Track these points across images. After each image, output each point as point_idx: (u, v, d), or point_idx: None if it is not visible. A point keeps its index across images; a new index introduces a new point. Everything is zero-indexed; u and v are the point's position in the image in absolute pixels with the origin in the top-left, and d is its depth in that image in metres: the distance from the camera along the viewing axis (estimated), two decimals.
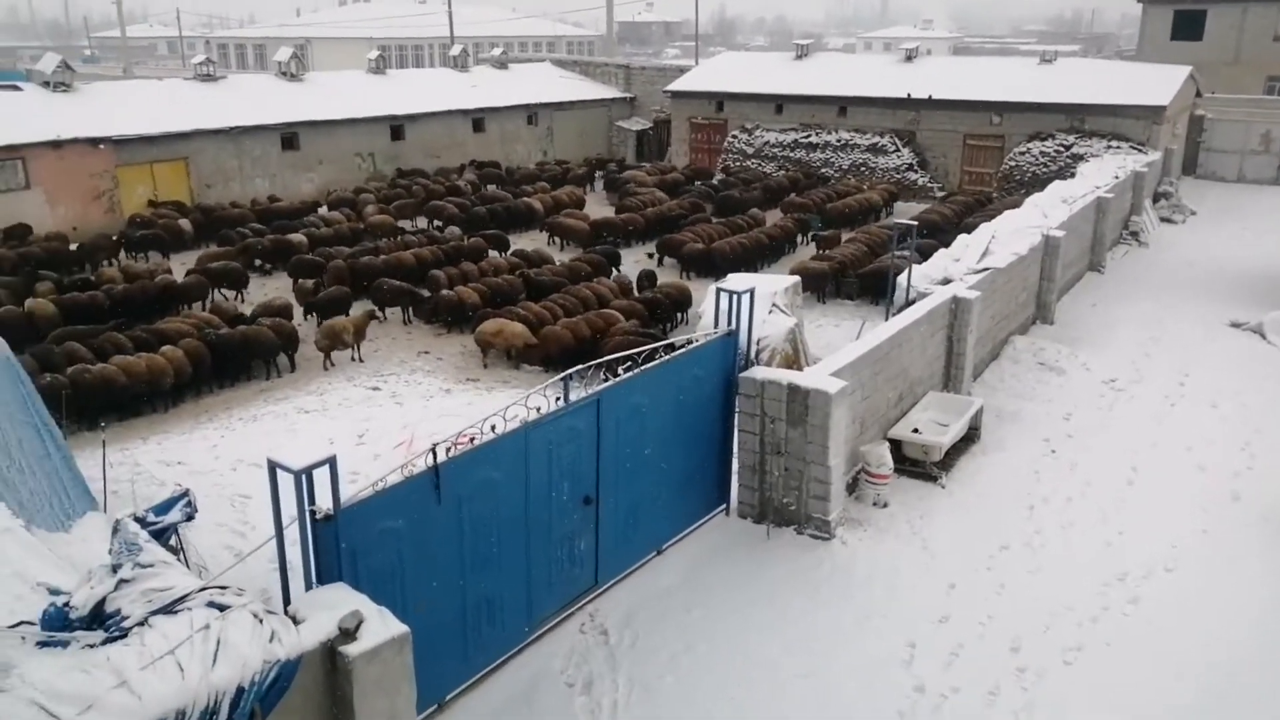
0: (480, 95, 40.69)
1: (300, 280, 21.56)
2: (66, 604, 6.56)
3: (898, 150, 36.19)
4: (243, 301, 21.57)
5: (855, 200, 30.77)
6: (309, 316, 20.07)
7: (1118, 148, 32.04)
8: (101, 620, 6.46)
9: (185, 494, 8.76)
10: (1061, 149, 33.18)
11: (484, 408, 14.90)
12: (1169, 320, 20.42)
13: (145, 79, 48.20)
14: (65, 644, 6.16)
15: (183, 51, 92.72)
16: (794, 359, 14.31)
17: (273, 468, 6.79)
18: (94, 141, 28.46)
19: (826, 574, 10.69)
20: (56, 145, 27.70)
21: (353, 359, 18.16)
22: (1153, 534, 11.65)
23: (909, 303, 15.77)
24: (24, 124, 27.74)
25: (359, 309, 19.66)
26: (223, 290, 22.11)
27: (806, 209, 29.96)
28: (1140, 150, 31.76)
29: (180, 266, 23.08)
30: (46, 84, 30.39)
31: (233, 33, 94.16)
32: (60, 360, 15.72)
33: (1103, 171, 27.60)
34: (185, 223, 27.14)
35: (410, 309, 20.67)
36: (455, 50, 45.32)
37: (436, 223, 28.52)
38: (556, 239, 27.57)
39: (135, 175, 29.53)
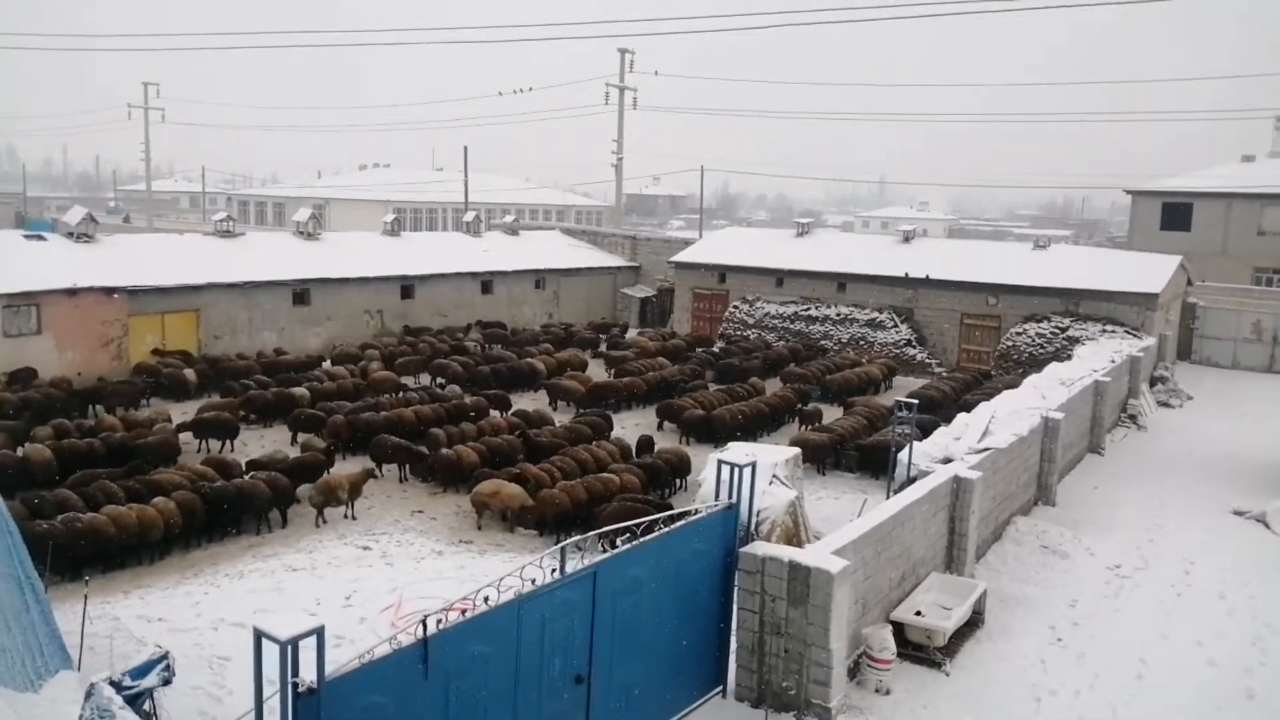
0: (490, 259, 41.87)
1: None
2: None
3: (896, 326, 36.89)
4: (233, 452, 21.47)
5: (854, 373, 31.14)
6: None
7: (1113, 332, 32.67)
8: None
9: (164, 656, 8.48)
10: (1057, 330, 33.82)
11: (476, 571, 14.64)
12: (1171, 505, 20.25)
13: (166, 232, 49.74)
14: None
15: (204, 206, 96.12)
16: (794, 532, 14.11)
17: (258, 637, 6.57)
18: (109, 290, 29.06)
19: None
20: (72, 293, 28.28)
21: (346, 516, 17.92)
22: None
23: (910, 480, 15.70)
24: (43, 272, 28.43)
25: (356, 466, 19.56)
26: (209, 442, 22.05)
27: (806, 379, 30.29)
28: (1135, 335, 32.37)
29: (181, 416, 23.10)
30: (70, 235, 31.33)
31: (255, 191, 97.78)
32: (50, 508, 15.49)
33: (1099, 355, 28.03)
34: (190, 372, 27.38)
35: (408, 466, 20.56)
36: (469, 216, 46.94)
37: (439, 380, 28.77)
38: (558, 400, 27.72)
39: (145, 324, 30.02)
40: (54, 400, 23.64)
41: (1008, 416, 19.01)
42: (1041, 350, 33.46)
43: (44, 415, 22.22)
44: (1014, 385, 24.59)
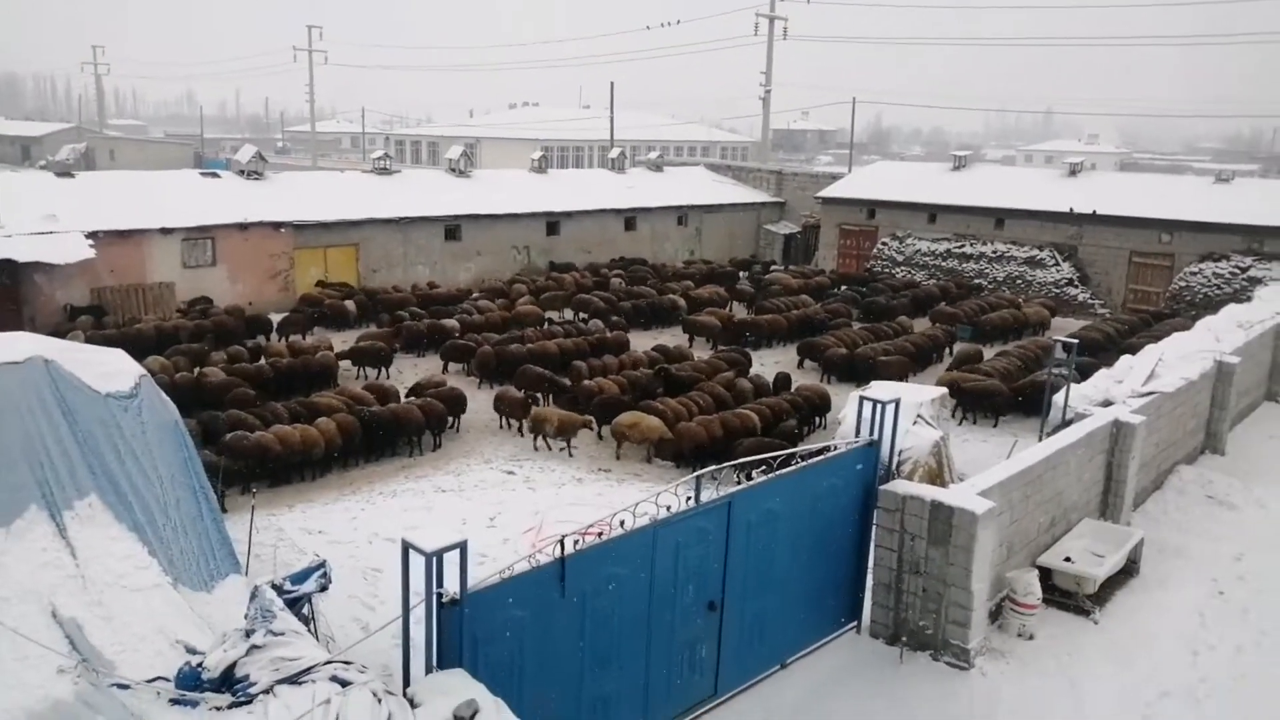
0: (634, 195, 41.90)
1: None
2: (200, 665, 6.77)
3: (1057, 264, 35.03)
4: (388, 379, 22.47)
5: (1010, 313, 29.81)
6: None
7: None
8: (231, 684, 6.63)
9: (322, 564, 9.01)
10: (1237, 270, 31.38)
11: (613, 499, 14.93)
12: None
13: (329, 170, 51.96)
14: (195, 704, 6.34)
15: (364, 146, 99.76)
16: (938, 474, 13.77)
17: (406, 548, 6.90)
18: (276, 225, 30.67)
19: (964, 708, 9.99)
20: (243, 227, 29.99)
21: (559, 449, 18.49)
22: None
23: (1065, 423, 14.99)
24: (218, 207, 30.26)
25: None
26: (367, 369, 23.15)
27: (956, 319, 29.23)
28: None
29: (341, 344, 24.32)
30: (242, 172, 33.13)
31: (410, 130, 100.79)
32: (223, 426, 16.66)
33: None
34: (350, 304, 28.73)
35: (551, 397, 21.06)
36: (614, 153, 47.02)
37: (582, 315, 29.22)
38: (696, 337, 27.70)
39: (310, 258, 31.60)
40: (229, 327, 25.29)
41: (1177, 360, 17.83)
42: (1218, 291, 31.15)
43: (220, 341, 23.81)
44: (1185, 327, 23.03)
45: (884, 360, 23.08)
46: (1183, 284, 32.36)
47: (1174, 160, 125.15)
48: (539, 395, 20.24)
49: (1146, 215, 33.66)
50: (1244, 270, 31.24)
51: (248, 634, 7.24)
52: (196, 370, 20.55)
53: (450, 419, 19.21)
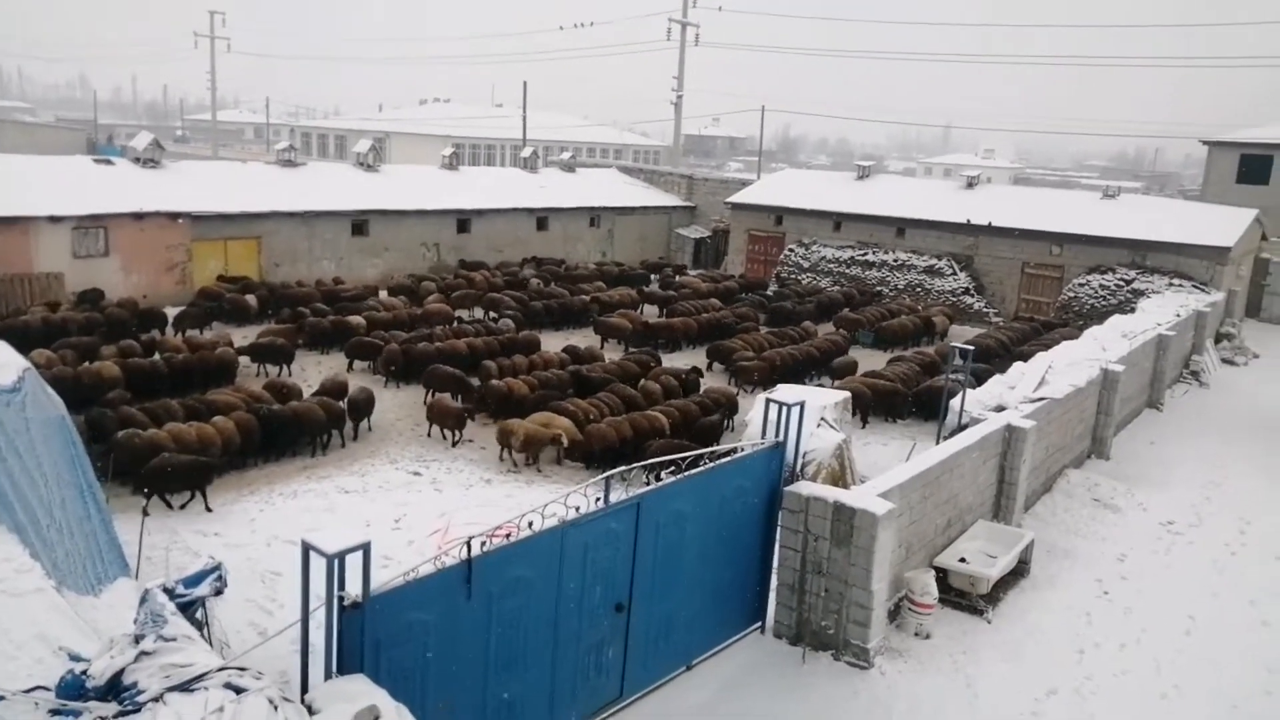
0: (546, 195, 41.75)
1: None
2: (84, 672, 6.47)
3: (954, 274, 36.18)
4: (289, 376, 21.87)
5: (909, 320, 30.67)
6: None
7: (1180, 286, 31.70)
8: (117, 692, 6.36)
9: (217, 567, 8.71)
10: (1122, 283, 32.91)
11: (523, 500, 14.85)
12: (1230, 464, 19.77)
13: (230, 160, 50.32)
14: (77, 714, 6.06)
15: (268, 137, 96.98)
16: (840, 475, 14.06)
17: (306, 549, 6.73)
18: (173, 215, 29.58)
19: (864, 706, 10.23)
20: (138, 217, 28.83)
21: (527, 463, 17.53)
22: (1212, 691, 11.03)
23: (961, 427, 15.49)
24: (111, 196, 29.01)
25: (409, 395, 19.78)
26: (267, 366, 22.51)
27: (859, 325, 29.95)
28: (1203, 290, 31.37)
29: (242, 340, 23.57)
30: (138, 160, 31.84)
31: (317, 123, 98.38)
32: (113, 423, 15.98)
33: (1164, 309, 27.25)
34: (251, 298, 27.89)
35: (459, 397, 20.79)
36: (526, 152, 46.76)
37: (492, 314, 28.96)
38: (608, 338, 27.74)
39: (209, 250, 30.56)
40: (121, 320, 24.26)
41: (1065, 367, 18.62)
42: (1104, 302, 32.62)
43: (111, 335, 22.83)
44: (1073, 336, 24.06)
45: (744, 365, 23.42)
46: (1071, 295, 33.77)
47: (1064, 176, 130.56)
48: (473, 407, 19.40)
49: (1039, 228, 35.03)
50: (1128, 283, 32.77)
51: (137, 639, 6.94)
52: (85, 364, 19.67)
53: (361, 420, 18.73)
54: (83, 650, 7.76)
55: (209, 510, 14.41)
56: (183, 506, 14.50)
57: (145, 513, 12.52)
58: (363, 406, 18.68)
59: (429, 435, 18.77)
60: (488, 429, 19.56)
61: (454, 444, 18.43)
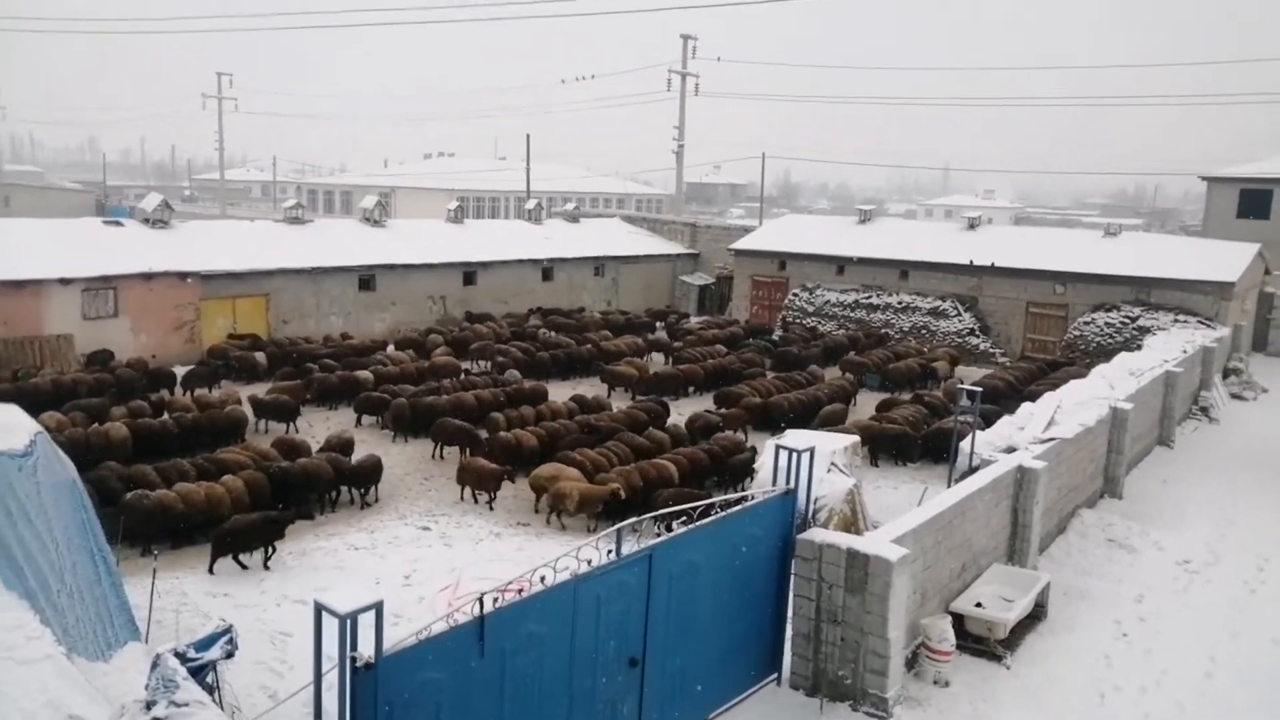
0: (551, 246, 42.11)
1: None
2: None
3: (959, 315, 36.23)
4: (296, 432, 21.89)
5: (915, 361, 30.63)
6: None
7: (1185, 321, 31.69)
8: None
9: (228, 630, 8.68)
10: (1127, 320, 32.91)
11: (533, 553, 14.76)
12: (1244, 501, 19.60)
13: (238, 219, 50.90)
14: None
15: (275, 195, 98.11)
16: (852, 521, 13.97)
17: (319, 610, 6.71)
18: (182, 275, 29.86)
19: None
20: (147, 277, 29.11)
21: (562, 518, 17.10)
22: None
23: (972, 469, 15.42)
24: (120, 257, 29.33)
25: (419, 448, 19.75)
26: (270, 423, 22.52)
27: (865, 367, 29.94)
28: (1209, 325, 31.35)
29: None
30: (147, 221, 32.22)
31: (323, 180, 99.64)
32: (122, 485, 15.97)
33: (1170, 345, 27.21)
34: (260, 355, 28.03)
35: (468, 449, 20.78)
36: (530, 204, 47.22)
37: (497, 359, 29.04)
38: (616, 386, 27.75)
39: (217, 308, 30.80)
40: (130, 381, 24.37)
41: (1074, 406, 18.56)
42: (1110, 340, 32.59)
43: (121, 396, 22.93)
44: (1081, 375, 24.01)
45: (727, 414, 23.12)
46: (1077, 333, 33.77)
47: (1065, 214, 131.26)
48: (511, 468, 18.47)
49: (1041, 267, 35.14)
50: (1134, 320, 32.78)
51: (148, 705, 6.91)
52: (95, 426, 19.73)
53: (367, 488, 18.03)
54: (93, 718, 7.71)
55: (267, 569, 14.55)
56: (245, 566, 14.58)
57: (154, 558, 12.48)
58: (369, 474, 18.05)
59: (461, 499, 18.15)
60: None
61: (490, 506, 17.86)
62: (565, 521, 17.28)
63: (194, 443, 20.01)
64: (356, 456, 18.92)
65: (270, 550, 14.78)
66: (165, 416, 21.14)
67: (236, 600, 13.16)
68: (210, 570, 14.20)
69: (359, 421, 23.29)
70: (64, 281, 27.46)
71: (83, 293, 27.87)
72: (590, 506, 16.66)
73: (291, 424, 22.58)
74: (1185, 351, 26.11)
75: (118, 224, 32.83)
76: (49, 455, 10.15)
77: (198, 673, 7.97)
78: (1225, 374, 31.44)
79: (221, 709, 7.85)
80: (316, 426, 22.88)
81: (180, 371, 25.92)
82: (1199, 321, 31.64)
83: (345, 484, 17.90)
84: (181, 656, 7.77)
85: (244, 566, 14.49)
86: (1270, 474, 21.69)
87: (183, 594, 13.23)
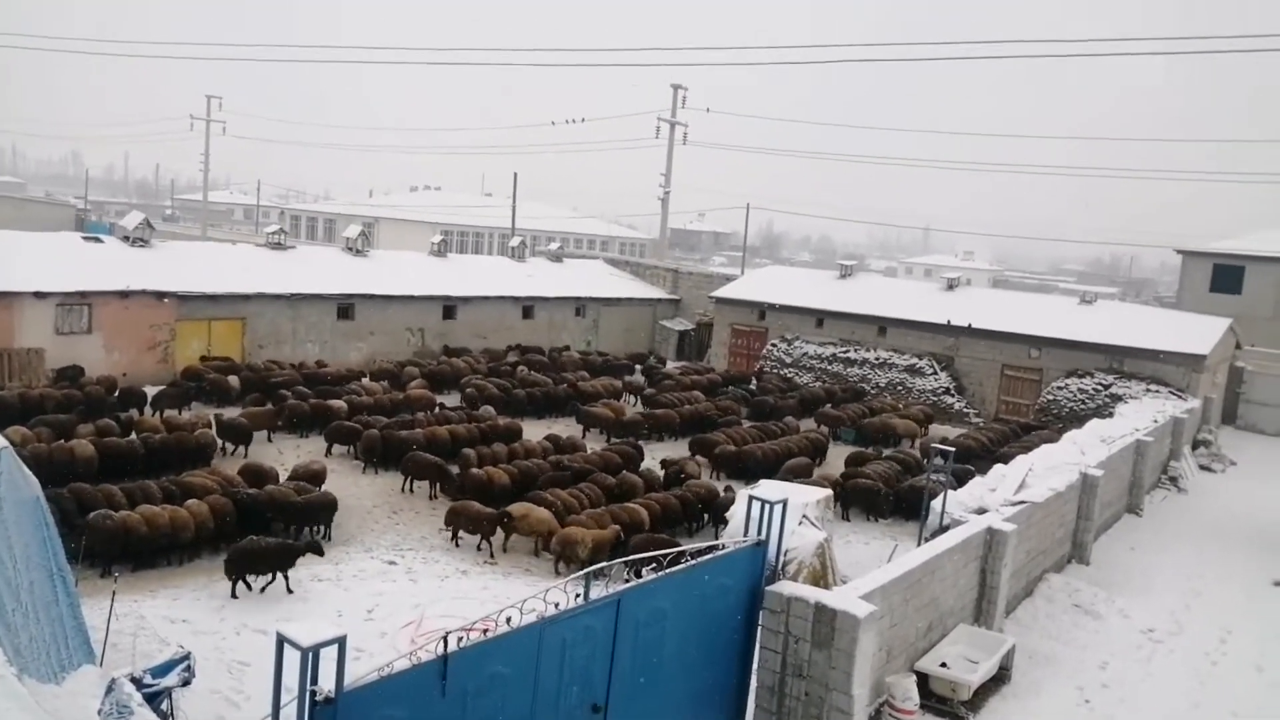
0: (533, 285, 42.22)
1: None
2: None
3: (935, 373, 36.54)
4: (245, 456, 21.68)
5: (890, 418, 30.81)
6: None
7: (1157, 391, 32.10)
8: None
9: (186, 657, 8.53)
10: (1100, 387, 33.30)
11: (499, 593, 14.62)
12: (1210, 572, 19.75)
13: (219, 241, 50.69)
14: None
15: (258, 219, 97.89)
16: (821, 575, 13.94)
17: (280, 641, 6.60)
18: (160, 295, 29.66)
19: None
20: (124, 295, 28.89)
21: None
22: None
23: (942, 528, 15.47)
24: (98, 273, 29.11)
25: (389, 480, 19.55)
26: (226, 445, 22.27)
27: (840, 421, 30.09)
28: (1180, 396, 31.78)
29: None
30: (127, 239, 32.04)
31: (307, 206, 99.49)
32: (73, 506, 15.65)
33: (1142, 414, 27.55)
34: (234, 379, 27.80)
35: (438, 485, 20.63)
36: (514, 241, 47.39)
37: (471, 392, 28.95)
38: (592, 428, 27.71)
39: (193, 330, 30.57)
40: (99, 398, 24.06)
41: (1045, 471, 18.71)
42: (1083, 406, 32.94)
43: (89, 413, 22.64)
44: (1053, 439, 24.23)
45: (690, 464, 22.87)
46: (1050, 397, 34.12)
47: (1042, 279, 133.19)
48: (509, 513, 17.60)
49: (1018, 330, 35.58)
50: (1106, 387, 33.17)
51: None
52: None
53: (317, 527, 17.43)
54: None
55: (290, 592, 14.56)
56: (263, 590, 14.50)
57: (114, 580, 12.24)
58: (318, 513, 17.49)
59: (454, 543, 17.58)
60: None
61: (490, 554, 17.23)
62: (530, 564, 17.14)
63: (160, 464, 19.76)
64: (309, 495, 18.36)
65: (277, 578, 14.76)
66: (133, 436, 20.86)
67: (195, 627, 12.92)
68: (233, 595, 14.28)
69: (329, 450, 23.08)
70: (39, 295, 27.20)
71: (57, 307, 27.61)
72: (601, 554, 16.04)
73: (244, 447, 22.28)
74: (1156, 421, 26.43)
75: (97, 240, 32.64)
76: (12, 470, 9.98)
77: (153, 699, 7.81)
78: (1195, 445, 31.83)
79: None
80: (287, 454, 22.65)
81: (151, 392, 25.64)
82: (1170, 392, 32.07)
83: (313, 515, 17.57)
84: (138, 682, 7.63)
85: (250, 588, 14.50)
86: (1236, 546, 21.89)
87: (140, 618, 12.97)
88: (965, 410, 35.61)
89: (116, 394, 25.10)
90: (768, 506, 10.95)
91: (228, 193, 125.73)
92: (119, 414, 23.01)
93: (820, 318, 39.78)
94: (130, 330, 29.10)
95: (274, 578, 14.70)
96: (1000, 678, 13.45)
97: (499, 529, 17.55)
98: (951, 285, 40.85)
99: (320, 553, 15.65)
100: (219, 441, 21.96)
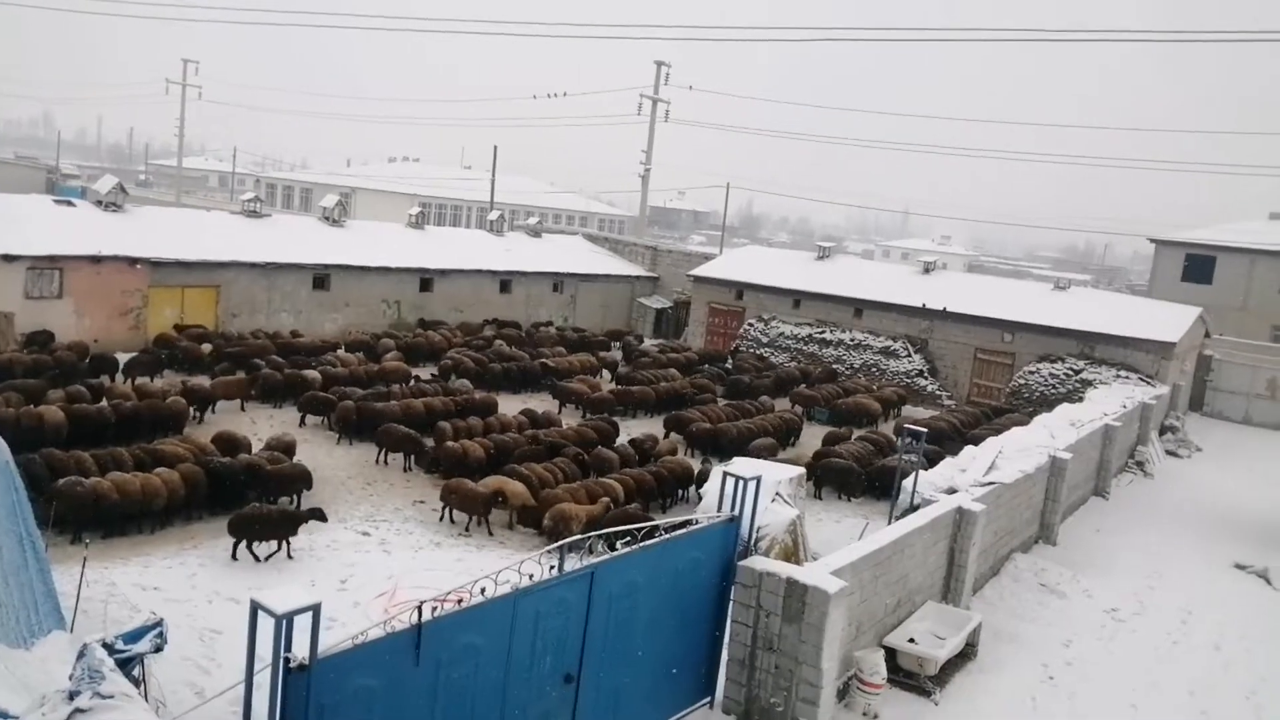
0: (511, 259, 42.02)
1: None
2: None
3: (909, 355, 36.81)
4: (200, 422, 21.77)
5: (864, 398, 31.04)
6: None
7: (1126, 378, 32.51)
8: None
9: (159, 624, 8.51)
10: (1071, 372, 33.68)
11: (473, 565, 14.68)
12: (1173, 554, 20.13)
13: (193, 208, 50.04)
14: None
15: (233, 186, 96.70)
16: (793, 551, 14.08)
17: (254, 609, 6.62)
18: (132, 261, 29.29)
19: None
20: (96, 260, 28.51)
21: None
22: None
23: (913, 508, 15.66)
24: (70, 237, 28.71)
25: (363, 451, 19.51)
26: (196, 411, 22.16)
27: (815, 401, 30.30)
28: (1149, 382, 32.20)
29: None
30: (100, 203, 31.59)
31: (283, 174, 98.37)
32: (43, 471, 15.51)
33: (1111, 399, 27.92)
34: (206, 347, 27.57)
35: (413, 457, 20.60)
36: (493, 215, 47.13)
37: (432, 372, 28.85)
38: (568, 403, 27.73)
39: (165, 297, 30.24)
40: (69, 364, 23.80)
41: (1015, 453, 18.96)
42: (1053, 390, 33.32)
43: (59, 379, 22.39)
44: (1023, 423, 24.52)
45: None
46: (1022, 381, 34.48)
47: (1017, 265, 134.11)
48: (503, 493, 17.34)
49: (992, 315, 35.86)
50: (1077, 372, 33.55)
51: (71, 696, 6.74)
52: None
53: (291, 498, 17.20)
54: (10, 707, 7.51)
55: (290, 558, 14.72)
56: (269, 558, 14.57)
57: (84, 546, 12.18)
58: (292, 483, 17.38)
59: (441, 520, 17.40)
60: (439, 490, 19.38)
61: (489, 531, 17.10)
62: (505, 536, 17.19)
63: (131, 432, 19.60)
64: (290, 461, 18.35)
65: (283, 545, 14.91)
66: (103, 403, 20.67)
67: (167, 594, 12.90)
68: (234, 556, 14.50)
69: (303, 421, 22.97)
70: (8, 258, 26.80)
71: (27, 271, 27.21)
72: (593, 527, 15.89)
73: (201, 414, 22.25)
74: (1125, 407, 26.80)
75: (69, 204, 32.15)
76: None
77: (125, 665, 7.80)
78: (1162, 431, 32.31)
79: (147, 702, 7.69)
80: (260, 425, 22.52)
81: (123, 359, 25.38)
82: (1140, 378, 32.49)
83: (286, 486, 17.48)
84: (109, 648, 7.61)
85: (258, 559, 14.57)
86: (1200, 530, 22.31)
87: (111, 584, 12.93)
88: (938, 393, 35.92)
89: (87, 360, 24.84)
90: (741, 483, 11.05)
91: (203, 159, 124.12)
92: (89, 380, 22.78)
93: (797, 298, 39.92)
94: (102, 296, 28.74)
95: (279, 546, 14.79)
96: (966, 654, 13.68)
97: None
98: (928, 269, 41.08)
99: (324, 519, 15.77)
100: (191, 410, 21.81)
